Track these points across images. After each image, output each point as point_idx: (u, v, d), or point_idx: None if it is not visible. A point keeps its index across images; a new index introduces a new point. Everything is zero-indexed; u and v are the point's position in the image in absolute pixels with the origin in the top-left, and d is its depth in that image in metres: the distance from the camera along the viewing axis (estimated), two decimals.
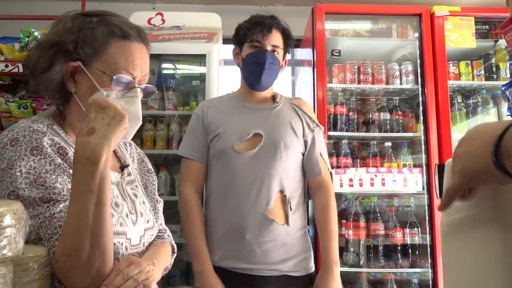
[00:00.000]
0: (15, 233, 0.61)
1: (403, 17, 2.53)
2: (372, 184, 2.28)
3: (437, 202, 2.24)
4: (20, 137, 0.80)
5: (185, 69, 2.51)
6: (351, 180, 2.29)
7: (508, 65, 2.41)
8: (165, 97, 2.37)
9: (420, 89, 2.42)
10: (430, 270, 2.23)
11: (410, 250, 2.30)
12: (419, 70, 2.44)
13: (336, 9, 2.48)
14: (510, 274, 0.48)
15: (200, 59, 2.33)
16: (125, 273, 0.76)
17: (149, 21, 2.43)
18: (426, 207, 2.28)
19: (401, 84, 2.51)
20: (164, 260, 0.97)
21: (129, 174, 1.00)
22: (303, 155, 1.56)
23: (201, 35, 2.31)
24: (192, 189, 1.53)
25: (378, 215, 2.32)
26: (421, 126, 2.39)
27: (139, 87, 0.89)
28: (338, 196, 2.40)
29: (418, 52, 2.46)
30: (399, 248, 2.28)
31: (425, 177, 2.31)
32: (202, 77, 2.35)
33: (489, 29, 2.53)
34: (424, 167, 2.33)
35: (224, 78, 2.44)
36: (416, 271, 2.29)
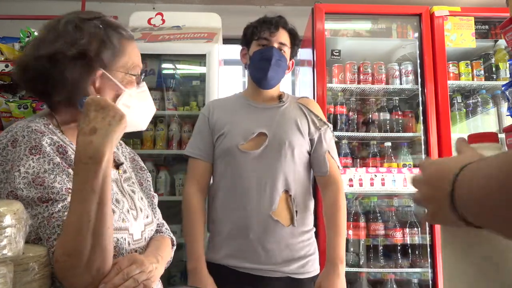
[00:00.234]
0: (15, 233, 0.62)
1: (403, 17, 2.53)
2: (372, 184, 2.29)
3: None
4: (19, 137, 0.80)
5: (185, 69, 2.51)
6: (351, 180, 2.29)
7: (507, 65, 2.41)
8: (165, 97, 2.37)
9: (420, 89, 2.43)
10: (430, 270, 2.23)
11: (410, 250, 2.30)
12: (419, 70, 2.44)
13: (336, 9, 2.48)
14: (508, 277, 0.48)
15: (200, 59, 2.33)
16: (125, 272, 0.76)
17: (149, 21, 2.43)
18: None
19: (401, 84, 2.51)
20: (166, 255, 0.99)
21: (124, 172, 1.02)
22: (309, 154, 1.56)
23: (201, 35, 2.31)
24: (195, 188, 1.53)
25: (378, 215, 2.32)
26: (421, 126, 2.39)
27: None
28: None
29: (418, 52, 2.46)
30: (399, 248, 2.28)
31: None
32: (202, 77, 2.35)
33: (489, 29, 2.53)
34: None
35: (224, 78, 2.44)
36: (416, 271, 2.29)
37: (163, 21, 2.43)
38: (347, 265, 2.24)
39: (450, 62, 2.48)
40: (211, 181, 1.59)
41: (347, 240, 2.28)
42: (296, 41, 1.61)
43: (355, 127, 2.50)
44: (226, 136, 1.51)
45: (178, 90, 2.46)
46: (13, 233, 0.61)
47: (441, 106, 2.34)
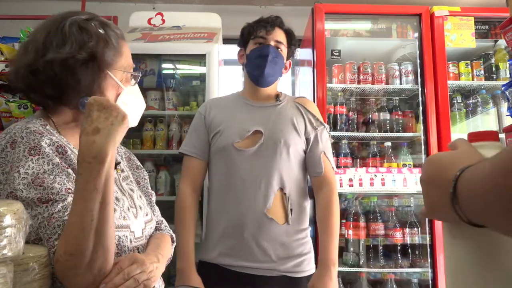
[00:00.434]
0: (15, 233, 0.62)
1: (403, 17, 2.53)
2: (372, 184, 2.29)
3: None
4: (18, 138, 0.80)
5: (185, 69, 2.51)
6: (351, 180, 2.29)
7: (507, 65, 2.41)
8: (165, 97, 2.37)
9: (420, 89, 2.43)
10: (430, 270, 2.23)
11: (410, 250, 2.30)
12: (419, 70, 2.44)
13: (336, 9, 2.48)
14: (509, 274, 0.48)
15: (200, 59, 2.33)
16: (126, 272, 0.76)
17: (149, 21, 2.43)
18: None
19: (401, 84, 2.51)
20: (167, 253, 1.00)
21: (122, 171, 1.02)
22: (305, 153, 1.56)
23: (201, 35, 2.31)
24: (189, 186, 1.53)
25: (378, 215, 2.32)
26: (420, 126, 2.39)
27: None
28: (338, 196, 2.40)
29: (418, 52, 2.46)
30: (399, 248, 2.28)
31: None
32: (202, 77, 2.35)
33: (489, 29, 2.53)
34: None
35: (224, 78, 2.44)
36: (416, 271, 2.29)
37: (163, 21, 2.43)
38: (347, 265, 2.24)
39: (450, 62, 2.48)
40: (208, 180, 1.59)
41: (347, 240, 2.28)
42: (292, 41, 1.62)
43: (355, 127, 2.50)
44: (222, 134, 1.52)
45: (178, 90, 2.46)
46: (13, 233, 0.61)
47: (441, 106, 2.34)
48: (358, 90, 2.56)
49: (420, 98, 2.41)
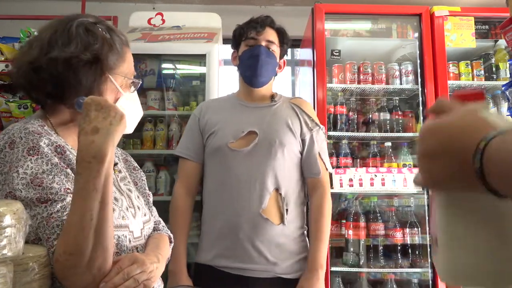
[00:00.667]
0: (15, 233, 0.62)
1: (403, 17, 2.53)
2: (372, 184, 2.28)
3: None
4: (17, 139, 0.80)
5: (185, 69, 2.51)
6: (351, 180, 2.29)
7: (508, 65, 2.41)
8: (165, 97, 2.37)
9: (420, 89, 2.42)
10: (430, 270, 2.23)
11: (410, 250, 2.30)
12: (419, 70, 2.44)
13: (336, 9, 2.48)
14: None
15: (200, 59, 2.33)
16: (126, 272, 0.76)
17: (149, 21, 2.43)
18: (426, 207, 2.28)
19: (401, 84, 2.51)
20: (166, 253, 1.01)
21: (120, 171, 1.03)
22: (301, 154, 1.55)
23: (201, 35, 2.30)
24: (183, 188, 1.55)
25: (378, 215, 2.32)
26: (421, 126, 2.38)
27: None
28: (338, 196, 2.40)
29: (418, 52, 2.46)
30: (399, 248, 2.28)
31: None
32: (202, 77, 2.35)
33: (489, 29, 2.53)
34: None
35: (224, 78, 2.44)
36: (416, 271, 2.29)
37: (163, 21, 2.43)
38: (347, 265, 2.24)
39: (450, 62, 2.48)
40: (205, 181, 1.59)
41: (347, 240, 2.28)
42: (284, 40, 1.61)
43: (355, 127, 2.49)
44: (216, 135, 1.52)
45: (178, 90, 2.46)
46: (13, 233, 0.61)
47: None
48: (358, 90, 2.56)
49: (420, 98, 2.41)
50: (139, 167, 1.14)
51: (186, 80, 2.50)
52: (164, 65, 2.45)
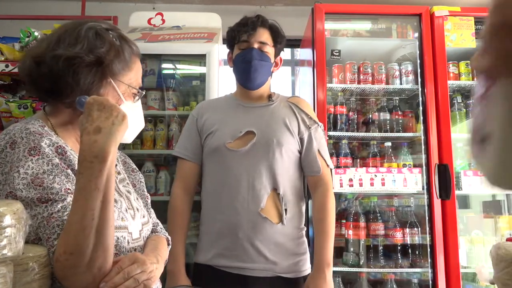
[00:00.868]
0: (15, 233, 0.62)
1: (403, 17, 2.53)
2: (372, 184, 2.29)
3: (437, 202, 2.24)
4: (18, 139, 0.80)
5: (185, 69, 2.51)
6: (351, 180, 2.29)
7: None
8: (165, 97, 2.37)
9: (420, 89, 2.42)
10: (430, 270, 2.23)
11: (410, 250, 2.30)
12: (419, 70, 2.44)
13: (336, 9, 2.48)
14: None
15: (200, 59, 2.33)
16: (126, 272, 0.76)
17: (149, 21, 2.43)
18: (426, 207, 2.28)
19: (401, 84, 2.51)
20: (164, 254, 1.01)
21: (119, 173, 1.03)
22: (300, 153, 1.55)
23: (201, 35, 2.31)
24: (181, 188, 1.55)
25: (378, 215, 2.32)
26: (421, 126, 2.39)
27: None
28: (338, 196, 2.40)
29: (418, 52, 2.46)
30: (399, 248, 2.28)
31: (425, 177, 2.31)
32: (202, 77, 2.35)
33: None
34: (424, 167, 2.33)
35: (224, 78, 2.45)
36: (416, 271, 2.29)
37: (163, 21, 2.43)
38: (347, 265, 2.24)
39: (450, 62, 2.48)
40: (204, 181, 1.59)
41: (347, 240, 2.28)
42: (278, 38, 1.58)
43: (355, 127, 2.49)
44: (214, 135, 1.53)
45: (178, 90, 2.46)
46: (13, 233, 0.61)
47: (441, 106, 2.34)
48: (358, 90, 2.56)
49: (420, 98, 2.41)
50: (137, 169, 1.15)
51: (186, 80, 2.50)
52: (164, 65, 2.46)
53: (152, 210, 1.13)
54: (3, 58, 1.99)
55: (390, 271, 2.24)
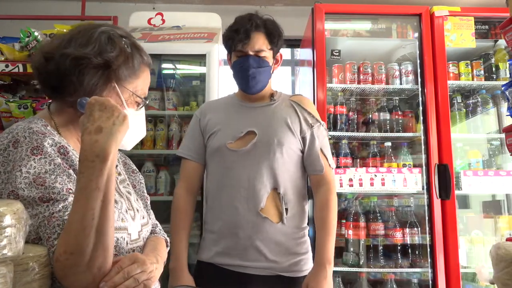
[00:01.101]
0: (15, 233, 0.62)
1: (403, 17, 2.54)
2: (372, 184, 2.29)
3: (437, 202, 2.24)
4: (21, 138, 0.80)
5: (185, 69, 2.51)
6: (351, 180, 2.29)
7: (507, 65, 2.41)
8: (165, 97, 2.37)
9: (420, 89, 2.43)
10: (430, 270, 2.23)
11: (410, 250, 2.30)
12: (419, 70, 2.44)
13: (336, 9, 2.48)
14: None
15: (200, 59, 2.34)
16: (126, 271, 0.76)
17: (149, 21, 2.43)
18: (426, 207, 2.28)
19: (401, 84, 2.51)
20: (163, 255, 1.02)
21: (119, 174, 1.03)
22: (302, 152, 1.55)
23: (201, 35, 2.31)
24: (184, 188, 1.56)
25: (378, 215, 2.32)
26: (421, 126, 2.39)
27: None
28: (338, 196, 2.39)
29: (418, 52, 2.46)
30: (399, 248, 2.28)
31: (424, 177, 2.31)
32: (202, 77, 2.35)
33: (489, 29, 2.53)
34: (424, 167, 2.33)
35: (224, 78, 2.45)
36: (416, 271, 2.29)
37: (163, 21, 2.43)
38: (347, 265, 2.24)
39: (450, 62, 2.48)
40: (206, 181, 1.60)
41: (347, 240, 2.28)
42: (275, 38, 1.53)
43: (355, 127, 2.50)
44: (216, 135, 1.53)
45: (178, 90, 2.46)
46: (13, 233, 0.61)
47: (441, 106, 2.34)
48: (358, 90, 2.56)
49: (420, 98, 2.42)
50: (137, 170, 1.15)
51: (186, 80, 2.50)
52: (164, 65, 2.46)
53: (152, 212, 1.14)
54: (3, 58, 2.00)
55: (390, 271, 2.24)
